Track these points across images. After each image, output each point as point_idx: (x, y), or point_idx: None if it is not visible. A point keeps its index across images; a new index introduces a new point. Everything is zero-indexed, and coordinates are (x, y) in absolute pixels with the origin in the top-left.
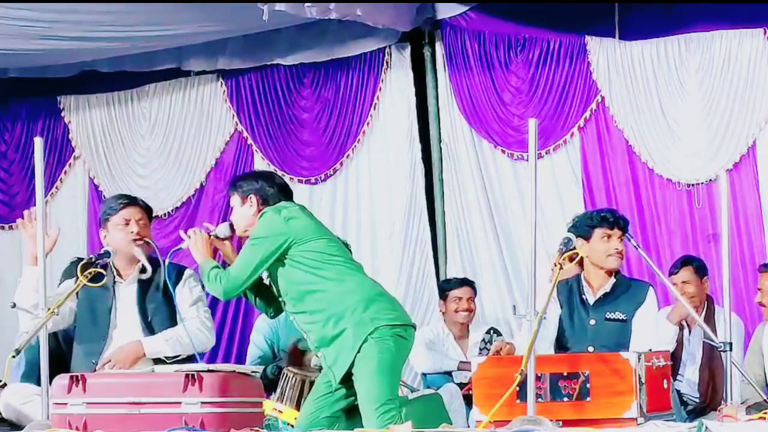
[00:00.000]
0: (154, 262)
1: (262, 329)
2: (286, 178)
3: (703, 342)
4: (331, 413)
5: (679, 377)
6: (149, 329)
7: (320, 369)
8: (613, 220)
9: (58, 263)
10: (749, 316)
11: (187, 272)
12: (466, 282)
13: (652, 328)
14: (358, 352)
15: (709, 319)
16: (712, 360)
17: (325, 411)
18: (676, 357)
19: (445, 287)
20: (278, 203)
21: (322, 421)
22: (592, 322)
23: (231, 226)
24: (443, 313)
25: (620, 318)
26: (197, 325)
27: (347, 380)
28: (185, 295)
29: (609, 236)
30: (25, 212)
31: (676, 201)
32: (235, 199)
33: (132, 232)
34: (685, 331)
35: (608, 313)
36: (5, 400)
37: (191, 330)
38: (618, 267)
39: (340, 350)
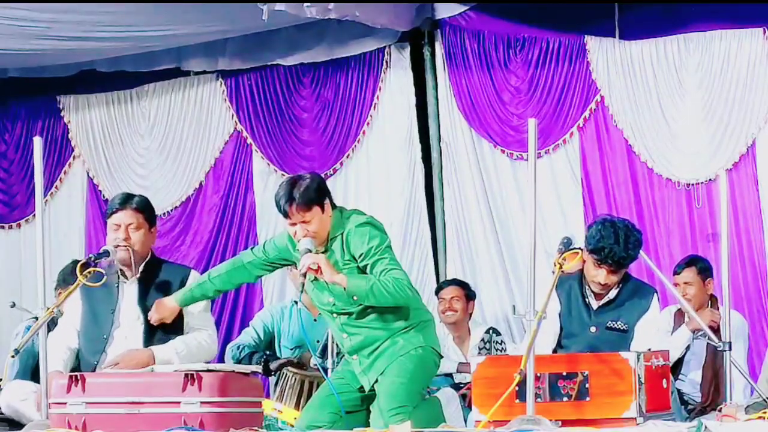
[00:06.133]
0: (156, 262)
1: (265, 318)
2: (286, 178)
3: (708, 342)
4: (332, 413)
5: (681, 377)
6: (150, 329)
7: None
8: (601, 259)
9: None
10: (748, 316)
11: (193, 274)
12: (453, 282)
13: (652, 336)
14: (395, 360)
15: None
16: (716, 360)
17: (326, 413)
18: (680, 357)
19: (437, 290)
20: (346, 208)
21: (322, 421)
22: (593, 329)
23: (310, 241)
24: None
25: (621, 328)
26: (205, 338)
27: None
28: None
29: (599, 265)
30: None
31: (675, 201)
32: (315, 211)
33: (118, 238)
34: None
35: (610, 322)
36: (4, 398)
37: (202, 341)
38: (598, 291)
39: (381, 356)
